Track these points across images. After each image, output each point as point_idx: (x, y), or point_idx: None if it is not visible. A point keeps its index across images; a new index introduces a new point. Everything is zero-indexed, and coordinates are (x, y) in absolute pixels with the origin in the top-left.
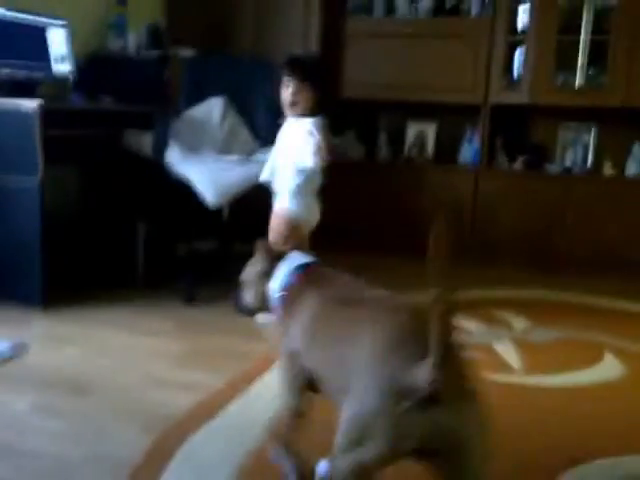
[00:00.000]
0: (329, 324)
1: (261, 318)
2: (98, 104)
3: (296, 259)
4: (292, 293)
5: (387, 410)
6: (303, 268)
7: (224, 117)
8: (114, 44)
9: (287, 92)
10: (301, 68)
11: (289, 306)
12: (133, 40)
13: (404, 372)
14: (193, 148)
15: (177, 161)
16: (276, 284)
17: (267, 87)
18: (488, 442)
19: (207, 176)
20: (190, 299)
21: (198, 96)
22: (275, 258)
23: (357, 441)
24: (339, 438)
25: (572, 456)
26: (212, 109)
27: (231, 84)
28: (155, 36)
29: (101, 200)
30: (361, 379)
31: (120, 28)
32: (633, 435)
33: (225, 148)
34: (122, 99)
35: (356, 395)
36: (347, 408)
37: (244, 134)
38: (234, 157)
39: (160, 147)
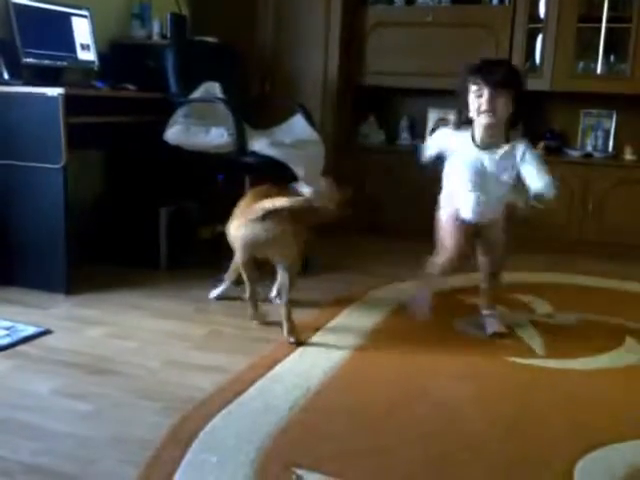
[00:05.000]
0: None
1: (212, 293)
2: (121, 91)
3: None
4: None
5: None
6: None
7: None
8: (138, 32)
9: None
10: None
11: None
12: (156, 28)
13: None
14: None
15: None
16: None
17: (234, 73)
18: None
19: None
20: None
21: (185, 81)
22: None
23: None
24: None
25: (590, 440)
26: (215, 91)
27: (206, 70)
28: (178, 25)
29: (124, 184)
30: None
31: (144, 17)
32: None
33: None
34: (145, 87)
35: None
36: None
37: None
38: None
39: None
